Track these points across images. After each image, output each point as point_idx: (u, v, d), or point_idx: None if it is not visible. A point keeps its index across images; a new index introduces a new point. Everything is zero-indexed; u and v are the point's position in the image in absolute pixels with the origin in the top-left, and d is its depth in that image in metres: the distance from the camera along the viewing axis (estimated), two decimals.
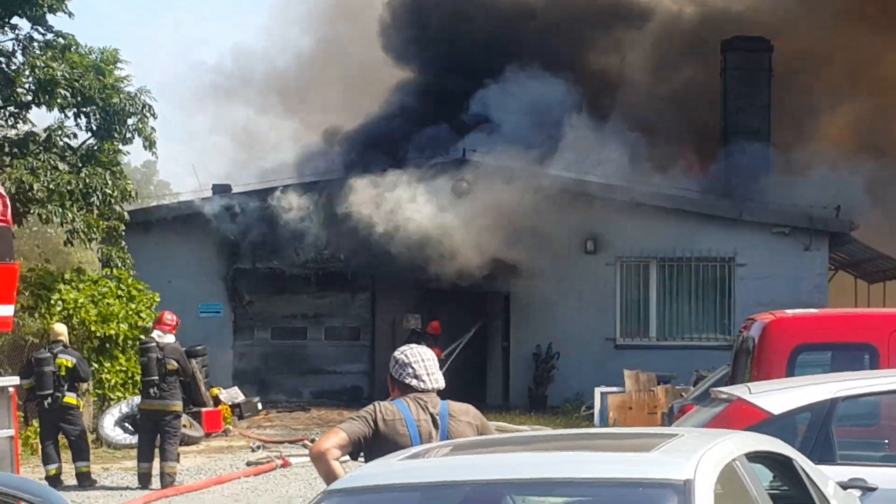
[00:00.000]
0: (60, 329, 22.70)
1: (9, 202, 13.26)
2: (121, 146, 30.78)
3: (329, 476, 8.05)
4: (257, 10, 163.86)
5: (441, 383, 8.98)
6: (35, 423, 22.57)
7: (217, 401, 28.23)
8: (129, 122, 30.21)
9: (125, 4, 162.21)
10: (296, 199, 34.13)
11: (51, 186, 28.73)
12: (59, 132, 30.37)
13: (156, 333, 22.31)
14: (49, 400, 21.34)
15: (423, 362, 8.94)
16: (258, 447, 25.72)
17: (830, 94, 45.94)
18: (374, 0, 53.11)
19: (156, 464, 21.17)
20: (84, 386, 22.54)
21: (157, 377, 21.41)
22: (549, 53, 44.45)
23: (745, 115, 40.28)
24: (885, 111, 45.34)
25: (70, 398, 21.55)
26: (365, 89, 48.30)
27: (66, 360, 21.59)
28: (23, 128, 30.57)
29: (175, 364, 21.65)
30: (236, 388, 31.20)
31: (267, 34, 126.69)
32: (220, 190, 37.12)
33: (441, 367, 9.20)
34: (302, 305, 36.12)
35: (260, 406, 31.65)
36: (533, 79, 39.67)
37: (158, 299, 28.81)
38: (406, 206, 32.74)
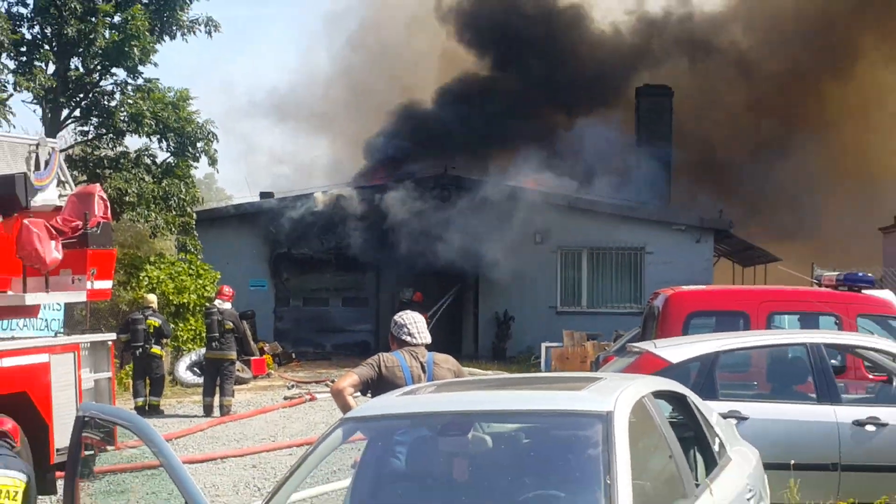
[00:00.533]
0: (152, 298, 22.98)
1: (109, 204, 13.21)
2: (192, 163, 30.92)
3: (345, 408, 8.12)
4: (286, 46, 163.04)
5: (428, 339, 9.07)
6: (128, 367, 22.64)
7: (262, 351, 28.22)
8: (199, 144, 30.43)
9: (178, 47, 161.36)
10: (321, 203, 34.17)
11: (139, 193, 28.81)
12: (146, 153, 30.55)
13: (217, 302, 22.32)
14: (140, 350, 21.55)
15: (415, 324, 9.02)
16: (292, 386, 25.72)
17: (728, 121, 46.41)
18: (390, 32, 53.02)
19: (216, 399, 21.28)
20: (166, 341, 22.64)
21: (217, 334, 21.51)
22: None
23: (654, 144, 40.41)
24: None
25: (156, 349, 21.74)
26: (376, 111, 47.23)
27: (155, 321, 21.86)
28: (119, 149, 30.70)
29: (231, 324, 21.71)
30: (276, 342, 31.26)
31: (301, 63, 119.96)
32: (265, 196, 37.18)
33: (427, 328, 9.24)
34: (325, 281, 36.11)
35: (294, 356, 31.70)
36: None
37: (219, 276, 28.81)
38: (402, 209, 32.78)
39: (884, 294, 15.46)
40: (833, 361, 11.22)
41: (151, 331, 21.73)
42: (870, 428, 10.45)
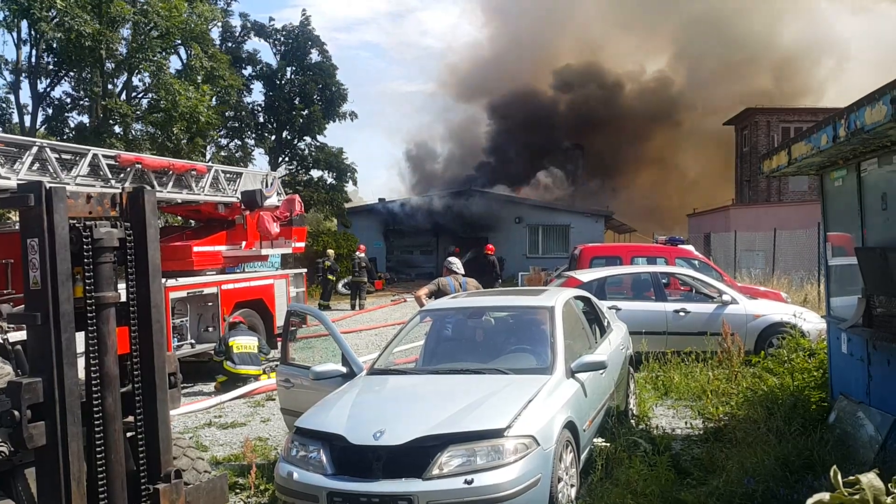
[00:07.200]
0: (331, 252, 22.86)
1: (302, 204, 13.29)
2: (344, 184, 31.04)
3: (421, 305, 8.11)
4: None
5: (462, 270, 9.04)
6: (312, 286, 22.68)
7: (380, 277, 28.29)
8: (347, 174, 30.49)
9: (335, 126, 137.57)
10: (407, 206, 34.06)
11: (318, 200, 28.86)
12: (321, 179, 30.70)
13: (357, 253, 22.37)
14: (320, 278, 21.51)
15: (456, 262, 9.00)
16: (396, 296, 25.76)
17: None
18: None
19: (357, 301, 21.26)
20: (332, 274, 22.61)
21: (357, 270, 21.49)
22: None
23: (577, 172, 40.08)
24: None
25: (330, 276, 21.68)
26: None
27: (328, 263, 21.71)
28: (306, 177, 30.95)
29: (364, 264, 21.72)
30: (387, 272, 31.17)
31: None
32: (381, 200, 36.94)
33: (462, 265, 9.22)
34: (411, 242, 35.84)
35: (395, 279, 31.66)
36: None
37: (358, 240, 28.80)
38: (450, 205, 32.70)
39: (688, 247, 15.26)
40: (663, 280, 11.13)
41: (327, 266, 21.66)
42: (681, 314, 10.42)
